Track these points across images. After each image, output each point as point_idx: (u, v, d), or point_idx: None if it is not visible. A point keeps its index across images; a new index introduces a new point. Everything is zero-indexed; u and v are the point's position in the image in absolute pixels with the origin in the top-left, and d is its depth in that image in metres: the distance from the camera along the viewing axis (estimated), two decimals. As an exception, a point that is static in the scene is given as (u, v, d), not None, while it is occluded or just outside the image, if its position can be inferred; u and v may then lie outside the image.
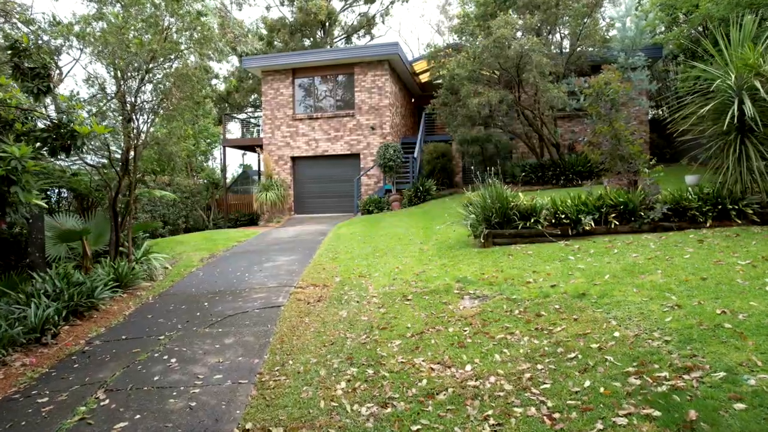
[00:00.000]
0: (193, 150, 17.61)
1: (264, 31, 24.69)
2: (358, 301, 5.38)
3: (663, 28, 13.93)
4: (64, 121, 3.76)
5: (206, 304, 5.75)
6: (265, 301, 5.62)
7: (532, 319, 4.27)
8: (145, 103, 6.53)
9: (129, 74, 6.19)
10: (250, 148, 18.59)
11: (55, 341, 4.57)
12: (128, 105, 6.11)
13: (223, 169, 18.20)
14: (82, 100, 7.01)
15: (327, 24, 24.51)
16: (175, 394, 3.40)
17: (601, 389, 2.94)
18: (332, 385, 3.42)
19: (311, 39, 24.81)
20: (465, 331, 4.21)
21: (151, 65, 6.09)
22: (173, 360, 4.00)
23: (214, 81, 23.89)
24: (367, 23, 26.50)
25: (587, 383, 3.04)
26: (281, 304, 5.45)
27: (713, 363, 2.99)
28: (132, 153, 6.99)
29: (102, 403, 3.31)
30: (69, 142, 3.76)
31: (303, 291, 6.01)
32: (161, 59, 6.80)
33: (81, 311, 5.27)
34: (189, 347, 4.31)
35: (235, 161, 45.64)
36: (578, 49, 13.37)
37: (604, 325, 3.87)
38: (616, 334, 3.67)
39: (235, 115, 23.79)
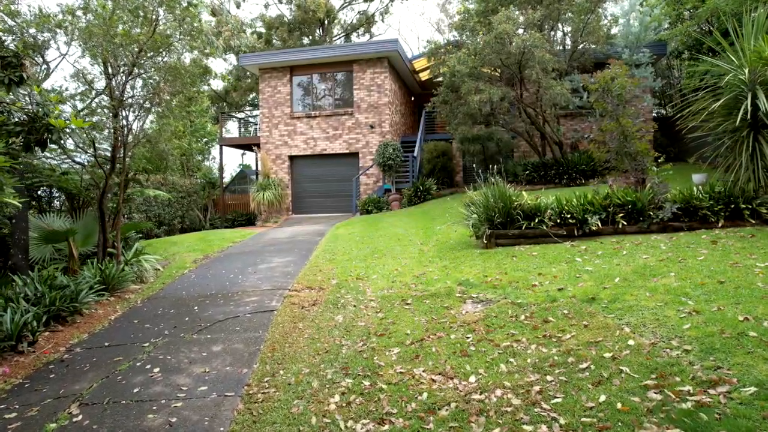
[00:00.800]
0: (188, 148, 17.34)
1: (262, 30, 24.45)
2: (355, 306, 5.12)
3: (667, 25, 13.68)
4: (39, 114, 3.51)
5: (196, 308, 5.49)
6: (257, 305, 5.36)
7: (539, 325, 4.01)
8: (131, 98, 6.26)
9: (116, 68, 5.93)
10: (248, 147, 18.34)
11: (32, 349, 4.31)
12: (115, 100, 5.84)
13: (221, 169, 17.94)
14: (69, 95, 6.76)
15: (326, 22, 24.26)
16: (155, 408, 3.14)
17: (619, 405, 2.68)
18: (325, 399, 3.16)
19: (310, 37, 24.55)
20: (468, 338, 3.96)
21: (139, 59, 5.83)
22: (156, 370, 3.74)
23: (211, 80, 23.62)
24: (366, 21, 26.24)
25: (602, 398, 2.78)
26: (274, 309, 5.19)
27: (741, 376, 2.73)
28: (121, 150, 6.72)
29: (75, 419, 3.05)
30: (44, 136, 3.50)
31: (298, 294, 5.75)
32: (151, 53, 6.54)
33: (63, 316, 5.01)
34: (174, 355, 4.05)
35: (234, 161, 45.46)
36: (580, 46, 13.12)
37: (617, 333, 3.61)
38: (631, 342, 3.41)
39: (232, 113, 23.52)
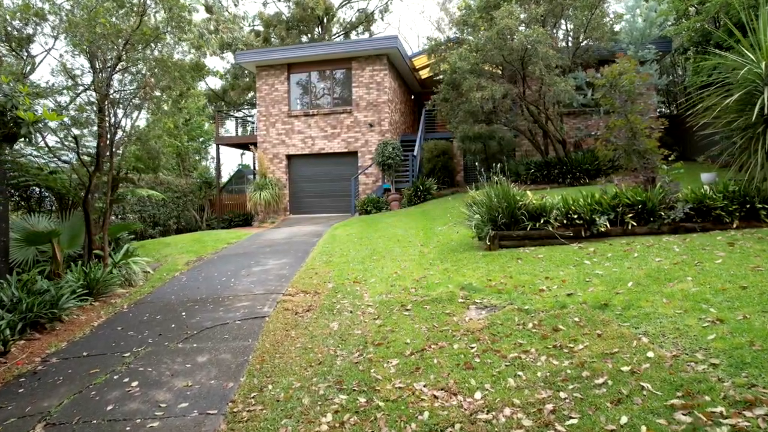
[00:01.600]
0: (184, 147, 17.02)
1: (260, 28, 24.16)
2: (351, 312, 4.84)
3: (672, 21, 13.39)
4: (7, 106, 3.23)
5: (184, 313, 5.20)
6: (248, 311, 5.08)
7: (548, 334, 3.73)
8: (118, 93, 5.97)
9: (102, 61, 5.64)
10: (245, 146, 18.02)
11: (4, 359, 4.02)
12: (99, 95, 5.55)
13: (217, 168, 17.63)
14: (55, 90, 6.48)
15: (324, 20, 23.97)
16: (128, 428, 2.85)
17: (643, 428, 2.40)
18: (316, 418, 2.88)
19: (309, 36, 24.26)
20: (472, 348, 3.67)
21: (124, 51, 5.54)
22: (134, 384, 3.45)
23: (206, 77, 23.32)
24: (366, 20, 25.94)
25: (624, 419, 2.50)
26: (266, 315, 4.91)
27: (779, 396, 2.45)
28: (108, 148, 6.43)
29: (39, 442, 2.77)
30: (13, 130, 3.22)
31: (292, 299, 5.46)
32: (140, 46, 6.25)
33: (42, 323, 4.72)
34: (156, 367, 3.76)
35: (234, 161, 45.13)
36: (584, 43, 12.83)
37: (634, 343, 3.33)
38: (650, 354, 3.13)
39: (229, 112, 23.22)
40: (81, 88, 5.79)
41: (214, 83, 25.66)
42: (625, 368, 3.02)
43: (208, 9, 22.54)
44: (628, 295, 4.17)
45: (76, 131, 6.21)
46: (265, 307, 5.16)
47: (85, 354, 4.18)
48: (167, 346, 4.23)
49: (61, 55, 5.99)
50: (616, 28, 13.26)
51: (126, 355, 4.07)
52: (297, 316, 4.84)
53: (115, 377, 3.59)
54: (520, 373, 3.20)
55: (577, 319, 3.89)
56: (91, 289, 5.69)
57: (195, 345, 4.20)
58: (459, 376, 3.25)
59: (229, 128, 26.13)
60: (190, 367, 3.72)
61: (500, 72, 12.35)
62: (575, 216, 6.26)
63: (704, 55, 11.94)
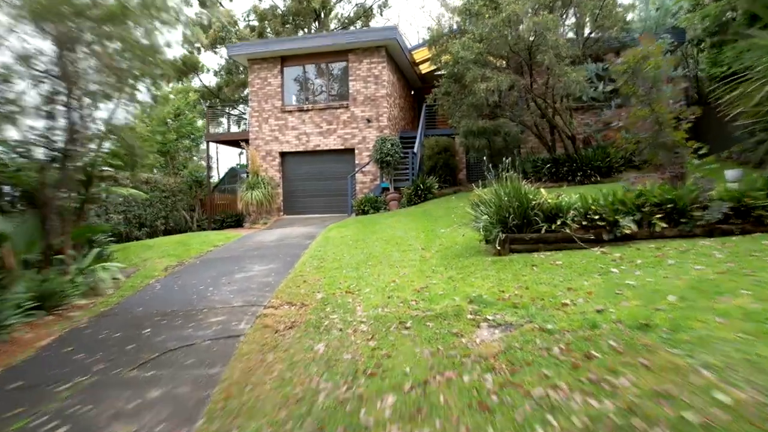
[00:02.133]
0: (172, 144, 16.28)
1: (255, 23, 23.46)
2: (341, 329, 4.12)
3: (687, 9, 12.69)
4: None
5: (148, 330, 4.49)
6: (222, 328, 4.36)
7: (580, 362, 3.01)
8: (80, 75, 5.25)
9: (62, 37, 4.92)
10: (236, 143, 17.29)
11: None
12: (48, 79, 4.85)
13: (209, 166, 16.91)
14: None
15: (321, 14, 23.26)
16: (34, 503, 2.15)
17: None
18: (285, 487, 2.17)
19: (305, 30, 23.56)
20: (486, 380, 2.96)
21: (84, 30, 4.84)
22: (62, 431, 2.74)
23: (203, 75, 22.62)
24: (364, 14, 25.23)
25: (707, 501, 1.78)
26: (241, 333, 4.20)
27: None
28: (75, 143, 5.72)
29: None
30: None
31: (274, 313, 4.75)
32: (109, 26, 5.55)
33: (-26, 344, 4.02)
34: (96, 405, 3.05)
35: (233, 160, 44.41)
36: (594, 33, 12.13)
37: (693, 379, 2.61)
38: (720, 396, 2.41)
39: (221, 108, 22.51)
40: (35, 71, 5.07)
41: (209, 80, 24.98)
42: (690, 417, 2.30)
43: (202, 3, 21.87)
44: (672, 312, 3.45)
45: (37, 123, 5.50)
46: (241, 324, 4.44)
47: (14, 385, 3.47)
48: (118, 374, 3.52)
49: (22, 39, 5.33)
50: (628, 17, 12.55)
51: (64, 387, 3.35)
52: (277, 335, 4.12)
53: (38, 421, 2.87)
54: (550, 417, 2.49)
55: (613, 342, 3.18)
56: (43, 301, 4.98)
57: (151, 373, 3.49)
58: (472, 422, 2.54)
59: (225, 126, 25.44)
60: (138, 405, 3.01)
61: (505, 64, 11.64)
62: (596, 217, 5.56)
63: (721, 47, 11.25)
